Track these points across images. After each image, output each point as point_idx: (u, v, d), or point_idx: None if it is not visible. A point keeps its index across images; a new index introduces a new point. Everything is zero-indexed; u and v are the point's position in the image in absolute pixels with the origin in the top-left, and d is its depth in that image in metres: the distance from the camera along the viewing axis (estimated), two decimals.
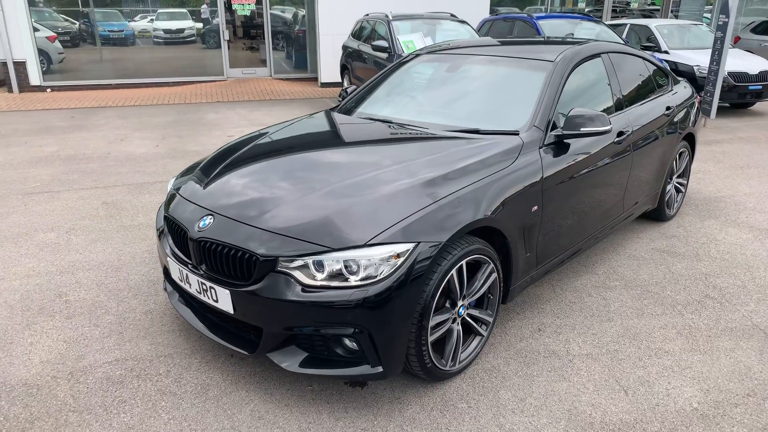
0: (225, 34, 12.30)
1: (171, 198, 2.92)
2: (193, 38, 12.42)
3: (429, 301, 2.35)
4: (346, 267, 2.25)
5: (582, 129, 3.03)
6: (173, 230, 2.74)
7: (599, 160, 3.36)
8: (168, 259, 2.72)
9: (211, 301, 2.50)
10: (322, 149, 3.05)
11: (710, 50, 8.72)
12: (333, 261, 2.25)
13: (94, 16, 11.66)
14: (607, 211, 3.62)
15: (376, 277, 2.24)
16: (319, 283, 2.25)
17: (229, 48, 12.51)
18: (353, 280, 2.24)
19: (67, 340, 2.97)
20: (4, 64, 10.71)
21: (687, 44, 10.13)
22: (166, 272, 2.90)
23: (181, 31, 12.38)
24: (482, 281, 2.67)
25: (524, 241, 2.87)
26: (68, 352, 2.87)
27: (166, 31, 12.28)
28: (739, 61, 9.25)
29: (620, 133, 3.58)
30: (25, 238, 4.24)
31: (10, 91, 10.88)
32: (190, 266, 2.59)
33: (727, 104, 9.75)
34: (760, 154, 6.90)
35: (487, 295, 2.76)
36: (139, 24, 12.10)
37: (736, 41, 14.14)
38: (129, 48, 12.02)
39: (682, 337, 3.04)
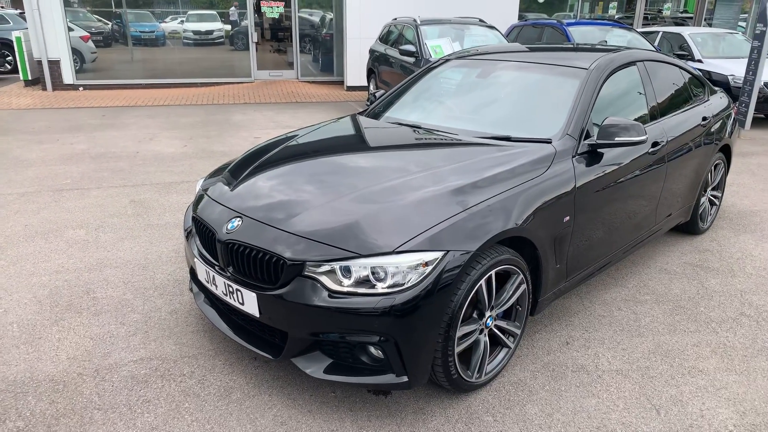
0: (253, 36, 12.41)
1: (199, 199, 2.92)
2: (222, 40, 12.56)
3: (456, 311, 2.30)
4: (373, 274, 2.22)
5: (616, 138, 2.95)
6: (201, 231, 2.75)
7: (632, 171, 3.28)
8: (195, 260, 2.73)
9: (237, 304, 2.49)
10: (350, 153, 3.03)
11: (745, 59, 8.52)
12: (360, 267, 2.22)
13: (126, 17, 11.87)
14: (639, 223, 3.54)
15: (403, 285, 2.20)
16: (345, 289, 2.23)
17: (256, 50, 12.62)
18: (380, 288, 2.21)
19: (93, 337, 2.99)
20: (39, 62, 10.95)
21: (721, 53, 9.90)
22: (193, 273, 2.91)
23: (210, 32, 12.53)
24: (511, 292, 2.61)
25: (555, 252, 2.80)
26: (95, 349, 2.89)
27: (195, 32, 12.45)
28: None
29: (655, 144, 3.49)
30: (55, 234, 4.31)
31: (44, 89, 11.13)
32: (217, 268, 2.58)
33: (763, 115, 9.50)
34: None
35: (515, 306, 2.70)
36: (170, 25, 12.28)
37: None
38: (159, 49, 12.20)
39: (717, 355, 2.94)
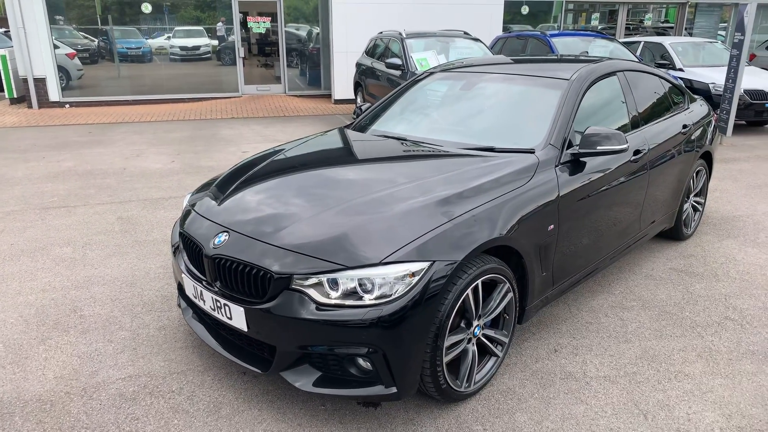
0: (240, 52, 12.47)
1: (186, 214, 2.93)
2: (209, 55, 12.60)
3: (444, 321, 2.32)
4: (360, 285, 2.23)
5: (598, 147, 3.00)
6: (188, 247, 2.75)
7: (615, 179, 3.33)
8: (183, 275, 2.73)
9: (225, 319, 2.49)
10: (336, 166, 3.05)
11: (725, 68, 8.68)
12: (347, 279, 2.23)
13: (112, 33, 11.88)
14: (623, 230, 3.58)
15: (390, 296, 2.22)
16: (333, 302, 2.24)
17: (244, 65, 12.67)
18: (368, 299, 2.22)
19: (81, 355, 2.97)
20: (25, 80, 10.92)
21: (702, 62, 10.08)
22: (181, 288, 2.90)
23: (197, 48, 12.57)
24: (498, 301, 2.63)
25: (540, 261, 2.84)
26: (82, 367, 2.87)
27: (182, 48, 12.48)
28: (755, 79, 9.19)
29: (637, 152, 3.55)
30: (41, 253, 4.28)
31: (30, 106, 11.09)
32: (204, 283, 2.59)
33: (744, 122, 9.67)
34: None
35: (502, 315, 2.72)
36: (157, 41, 12.31)
37: (752, 59, 14.06)
38: (146, 65, 12.22)
39: (703, 359, 2.98)
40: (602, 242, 3.37)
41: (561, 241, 2.95)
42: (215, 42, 12.60)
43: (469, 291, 2.42)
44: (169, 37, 12.42)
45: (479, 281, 2.47)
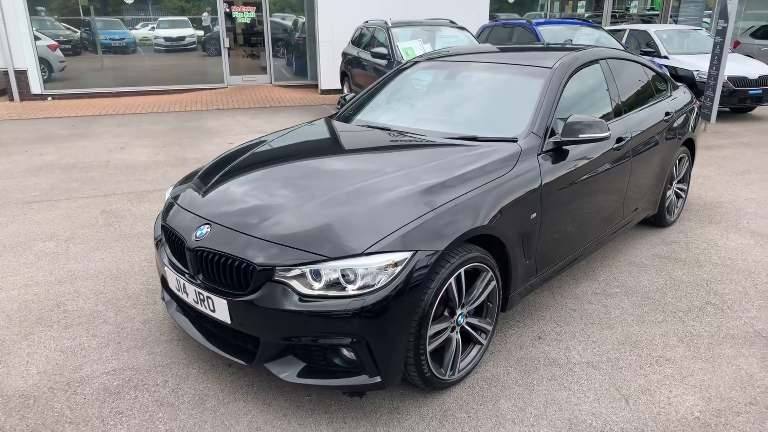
0: (225, 42, 12.34)
1: (169, 207, 2.91)
2: (194, 46, 12.46)
3: (427, 310, 2.33)
4: (343, 276, 2.23)
5: (580, 135, 3.02)
6: (171, 239, 2.73)
7: (598, 167, 3.35)
8: (165, 268, 2.71)
9: (208, 311, 2.49)
10: (319, 157, 3.04)
11: (709, 55, 8.74)
12: (330, 270, 2.23)
13: (95, 24, 11.70)
14: (607, 217, 3.61)
15: (373, 286, 2.22)
16: (316, 293, 2.24)
17: (229, 55, 12.55)
18: (350, 290, 2.22)
19: (64, 350, 2.95)
20: (5, 72, 10.74)
21: (687, 49, 10.13)
22: (164, 281, 2.89)
23: (182, 38, 12.42)
24: (481, 289, 2.65)
25: (523, 249, 2.85)
26: (65, 362, 2.85)
27: (166, 39, 12.33)
28: (738, 66, 9.25)
29: (619, 139, 3.57)
30: (24, 248, 4.23)
31: (11, 99, 10.92)
32: (187, 276, 2.57)
33: (728, 109, 9.74)
34: (761, 158, 6.89)
35: (486, 303, 2.74)
36: (141, 32, 12.14)
37: (736, 46, 14.15)
38: (130, 56, 12.06)
39: (684, 344, 3.02)
40: (586, 230, 3.40)
41: (544, 229, 2.97)
42: (200, 32, 12.45)
43: (452, 280, 2.43)
44: (153, 28, 12.25)
45: (462, 270, 2.48)
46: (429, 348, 2.42)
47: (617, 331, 3.14)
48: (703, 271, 3.89)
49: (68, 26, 11.65)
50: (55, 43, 11.53)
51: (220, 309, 2.41)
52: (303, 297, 2.24)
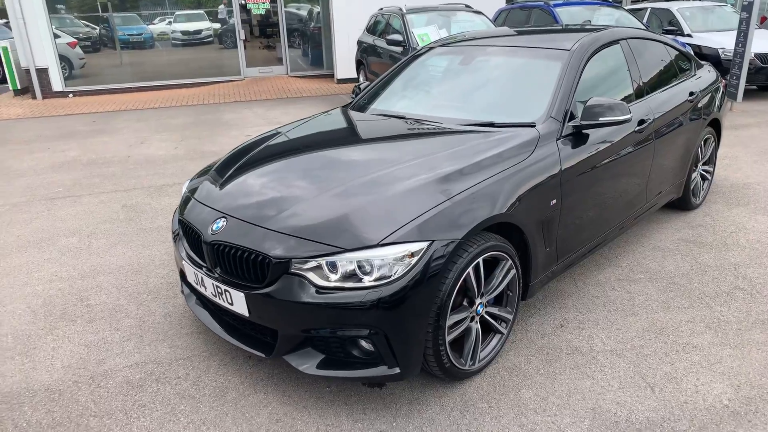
0: (241, 34, 12.35)
1: (185, 201, 2.91)
2: (211, 39, 12.50)
3: (445, 300, 2.30)
4: (359, 267, 2.21)
5: (601, 119, 2.94)
6: (188, 233, 2.74)
7: (620, 150, 3.27)
8: (183, 262, 2.72)
9: (226, 304, 2.49)
10: (334, 148, 3.01)
11: (735, 32, 8.47)
12: (346, 261, 2.21)
13: (113, 20, 11.80)
14: (629, 201, 3.53)
15: (390, 277, 2.20)
16: (333, 285, 2.22)
17: (245, 47, 12.56)
18: (367, 281, 2.20)
19: (88, 344, 2.99)
20: (27, 71, 10.91)
21: (711, 26, 9.84)
22: (183, 275, 2.90)
23: (199, 32, 12.47)
24: (500, 278, 2.61)
25: (543, 236, 2.80)
26: (89, 356, 2.89)
27: (183, 32, 12.39)
28: (765, 42, 8.95)
29: (641, 122, 3.47)
30: (48, 243, 4.30)
31: (34, 97, 11.10)
32: (205, 269, 2.58)
33: (755, 87, 9.45)
34: None
35: (506, 292, 2.70)
36: (158, 27, 12.22)
37: (763, 21, 13.71)
38: (148, 51, 12.15)
39: (711, 330, 2.94)
40: (607, 215, 3.33)
41: (564, 215, 2.91)
42: (217, 25, 12.48)
43: (470, 269, 2.40)
44: (170, 22, 12.32)
45: (480, 259, 2.44)
46: (448, 338, 2.40)
47: (642, 318, 3.08)
48: (731, 254, 3.78)
49: (87, 23, 11.77)
50: (75, 40, 11.67)
51: (237, 302, 2.41)
52: (320, 289, 2.23)
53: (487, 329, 2.69)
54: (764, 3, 14.78)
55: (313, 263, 2.24)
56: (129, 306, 3.36)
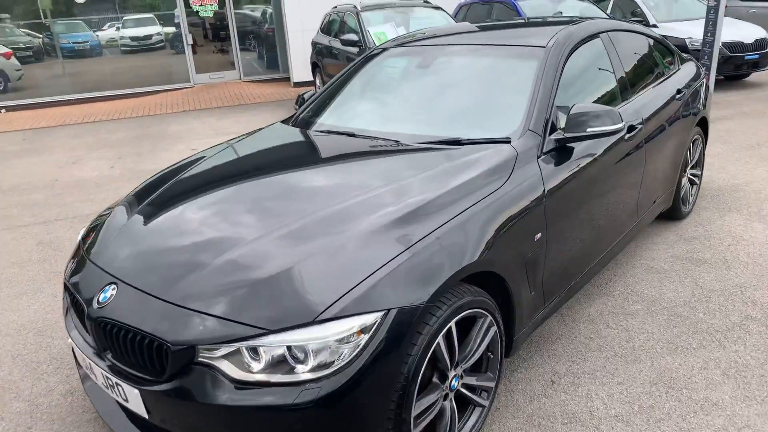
0: (188, 38, 11.58)
1: (74, 255, 2.29)
2: (162, 44, 11.70)
3: (409, 385, 1.74)
4: (290, 354, 1.63)
5: (588, 129, 2.43)
6: (74, 302, 2.11)
7: (609, 162, 2.77)
8: (69, 340, 2.10)
9: (121, 400, 1.88)
10: (262, 179, 2.40)
11: (701, 21, 8.16)
12: (271, 347, 1.63)
13: (55, 28, 10.89)
14: (621, 220, 3.03)
15: (332, 363, 1.63)
16: (255, 378, 1.64)
17: (195, 52, 11.79)
18: (301, 372, 1.62)
19: None
20: None
21: (676, 16, 9.54)
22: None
23: (149, 37, 11.67)
24: (479, 340, 2.06)
25: (527, 279, 2.27)
26: None
27: (133, 38, 11.57)
28: (732, 30, 8.68)
29: (631, 128, 2.98)
30: None
31: None
32: (94, 352, 1.96)
33: (722, 77, 9.19)
34: None
35: (486, 354, 2.16)
36: (106, 33, 11.36)
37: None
38: (93, 59, 11.29)
39: (730, 379, 2.46)
40: (599, 239, 2.82)
41: (551, 249, 2.39)
42: (169, 29, 11.66)
43: (440, 338, 1.84)
44: (118, 28, 11.47)
45: (453, 322, 1.89)
46: (416, 431, 1.84)
47: (646, 365, 2.57)
48: (733, 273, 3.33)
49: (29, 32, 10.84)
50: (10, 51, 10.74)
51: (132, 399, 1.81)
52: (239, 384, 1.64)
53: (465, 402, 2.14)
54: None
55: (226, 349, 1.65)
56: (22, 382, 2.71)
